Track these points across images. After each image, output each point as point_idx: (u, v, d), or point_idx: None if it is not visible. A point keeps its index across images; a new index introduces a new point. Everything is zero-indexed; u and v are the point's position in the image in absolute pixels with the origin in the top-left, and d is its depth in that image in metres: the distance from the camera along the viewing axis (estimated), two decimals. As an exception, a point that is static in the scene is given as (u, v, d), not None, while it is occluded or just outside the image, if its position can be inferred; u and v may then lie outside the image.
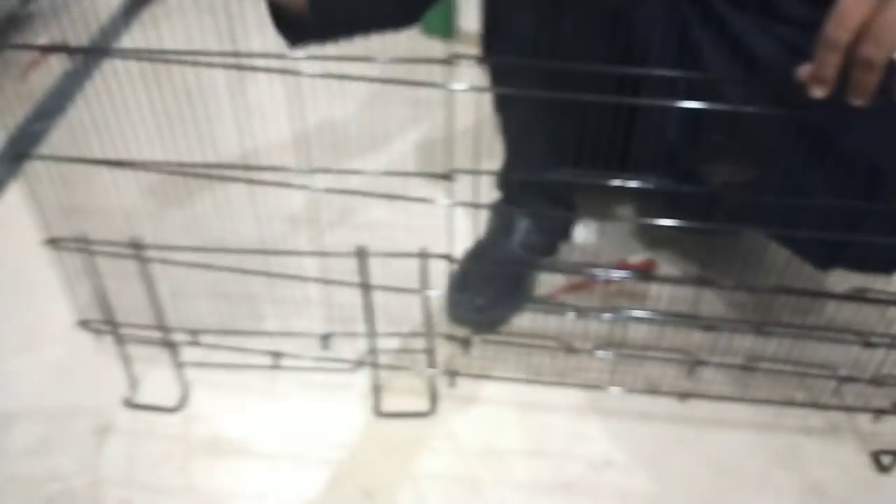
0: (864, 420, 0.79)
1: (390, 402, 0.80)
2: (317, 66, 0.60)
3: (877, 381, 0.72)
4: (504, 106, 0.84)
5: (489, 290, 0.86)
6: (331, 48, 0.69)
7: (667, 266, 0.97)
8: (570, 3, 0.66)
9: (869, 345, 0.70)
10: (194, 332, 0.79)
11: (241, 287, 0.87)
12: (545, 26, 0.67)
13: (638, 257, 0.97)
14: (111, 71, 1.40)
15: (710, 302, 0.90)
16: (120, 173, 0.69)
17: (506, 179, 0.93)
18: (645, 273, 0.93)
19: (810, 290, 0.80)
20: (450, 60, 0.52)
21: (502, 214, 0.94)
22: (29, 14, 1.74)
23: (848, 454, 0.77)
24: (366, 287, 0.70)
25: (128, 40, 1.61)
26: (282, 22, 0.69)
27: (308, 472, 0.74)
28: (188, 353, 0.81)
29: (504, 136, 0.87)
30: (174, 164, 0.65)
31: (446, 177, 0.61)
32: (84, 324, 0.78)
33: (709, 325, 0.74)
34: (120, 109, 0.94)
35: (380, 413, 0.79)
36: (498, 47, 0.76)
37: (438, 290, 0.73)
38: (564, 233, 0.97)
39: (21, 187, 1.14)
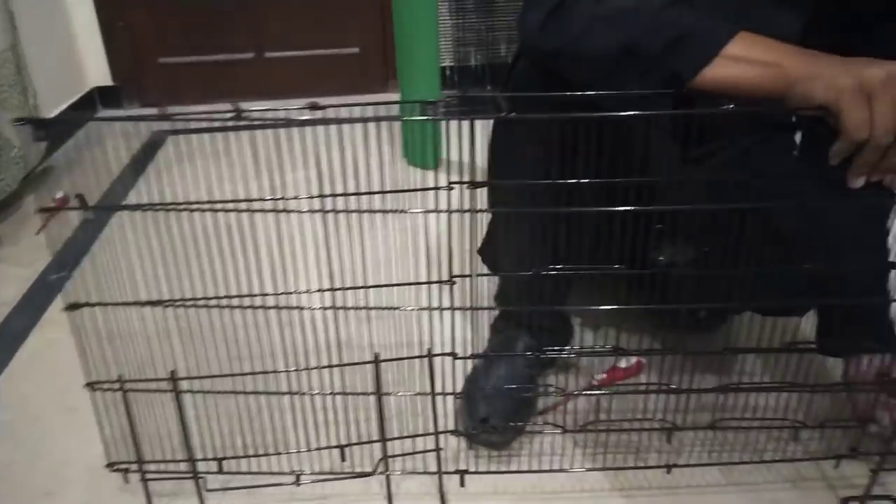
0: (828, 467, 0.85)
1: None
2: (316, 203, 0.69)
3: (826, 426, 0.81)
4: (506, 222, 0.91)
5: (502, 410, 0.89)
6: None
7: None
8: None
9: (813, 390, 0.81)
10: (219, 460, 0.82)
11: (265, 405, 0.92)
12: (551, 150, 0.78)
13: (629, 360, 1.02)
14: (125, 219, 1.50)
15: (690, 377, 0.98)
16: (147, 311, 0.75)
17: (505, 299, 1.00)
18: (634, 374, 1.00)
19: (750, 347, 0.89)
20: (449, 187, 0.62)
21: (503, 333, 0.99)
22: (46, 168, 1.88)
23: (818, 501, 0.81)
24: (379, 393, 0.74)
25: (142, 185, 1.74)
26: None
27: None
28: (212, 480, 0.83)
29: (507, 250, 0.94)
30: (208, 297, 0.72)
31: (451, 282, 0.69)
32: (112, 465, 0.81)
33: (675, 390, 0.82)
34: (133, 254, 1.02)
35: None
36: (503, 170, 0.85)
37: (446, 390, 0.78)
38: (564, 344, 1.02)
39: (43, 335, 1.20)
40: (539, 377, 0.98)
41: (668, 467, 0.83)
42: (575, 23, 0.69)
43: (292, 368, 0.75)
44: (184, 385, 0.74)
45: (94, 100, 2.45)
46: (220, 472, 0.82)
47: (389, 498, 0.80)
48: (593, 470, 0.85)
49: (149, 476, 0.81)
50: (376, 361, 0.73)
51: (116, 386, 0.75)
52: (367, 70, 2.54)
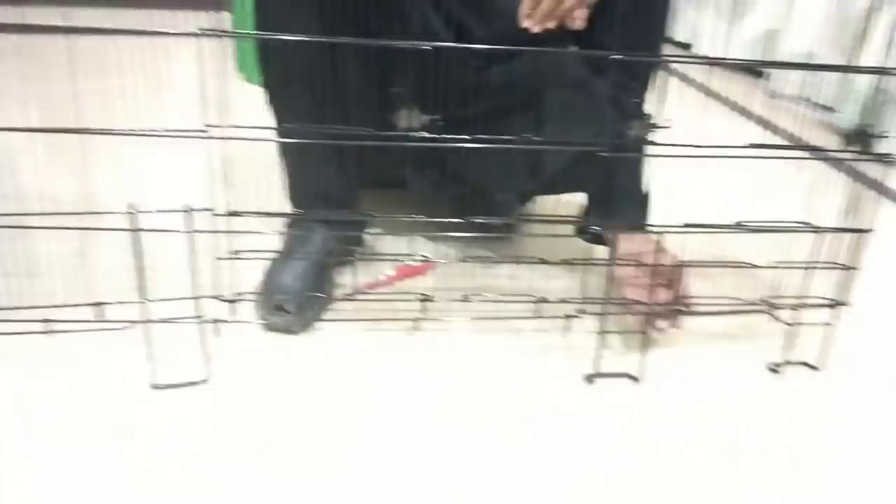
0: (574, 338, 0.97)
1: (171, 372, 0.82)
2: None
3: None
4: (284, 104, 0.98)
5: (296, 297, 0.94)
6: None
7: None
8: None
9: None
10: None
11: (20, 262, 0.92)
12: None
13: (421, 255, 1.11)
14: None
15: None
16: None
17: (295, 193, 1.05)
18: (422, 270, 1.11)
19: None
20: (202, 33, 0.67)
21: (299, 227, 1.03)
22: None
23: (560, 363, 0.93)
24: (137, 244, 0.76)
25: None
26: None
27: (90, 451, 0.73)
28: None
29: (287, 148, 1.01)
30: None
31: (203, 132, 0.73)
32: None
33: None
34: None
35: (156, 386, 0.81)
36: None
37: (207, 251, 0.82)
38: (358, 239, 1.10)
39: None
40: (336, 271, 1.04)
41: (417, 320, 0.95)
42: None
43: (49, 225, 0.75)
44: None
45: None
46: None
47: (152, 359, 0.82)
48: (357, 332, 0.94)
49: None
50: (131, 211, 0.75)
51: None
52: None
